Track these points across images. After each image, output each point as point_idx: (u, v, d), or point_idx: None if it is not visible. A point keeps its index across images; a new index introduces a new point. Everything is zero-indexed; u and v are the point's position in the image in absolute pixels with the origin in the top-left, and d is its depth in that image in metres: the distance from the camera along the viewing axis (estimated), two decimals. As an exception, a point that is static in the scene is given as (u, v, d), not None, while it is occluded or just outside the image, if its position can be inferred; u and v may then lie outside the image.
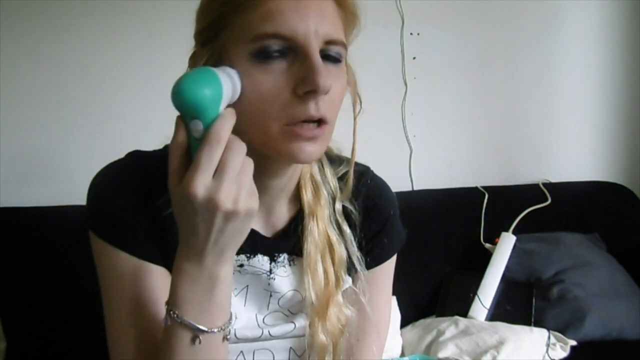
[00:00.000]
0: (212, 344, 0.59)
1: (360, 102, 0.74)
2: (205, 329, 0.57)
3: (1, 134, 1.57)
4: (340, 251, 0.75)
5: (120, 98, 1.64)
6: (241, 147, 0.54)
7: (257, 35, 0.60)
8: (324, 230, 0.74)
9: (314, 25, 0.61)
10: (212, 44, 0.65)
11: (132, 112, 1.64)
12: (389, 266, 0.82)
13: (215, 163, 0.52)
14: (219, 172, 0.53)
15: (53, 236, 1.42)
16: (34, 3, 1.56)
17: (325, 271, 0.73)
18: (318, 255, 0.73)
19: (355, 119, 0.73)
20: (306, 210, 0.74)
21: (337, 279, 0.74)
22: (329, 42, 0.62)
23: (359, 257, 0.77)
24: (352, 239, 0.77)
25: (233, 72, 0.60)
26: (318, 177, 0.76)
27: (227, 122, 0.54)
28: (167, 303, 0.59)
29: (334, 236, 0.75)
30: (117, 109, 1.64)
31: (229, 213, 0.53)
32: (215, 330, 0.58)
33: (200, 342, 0.57)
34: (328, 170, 0.78)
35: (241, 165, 0.54)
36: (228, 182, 0.53)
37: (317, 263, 0.72)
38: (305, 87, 0.59)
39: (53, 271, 1.40)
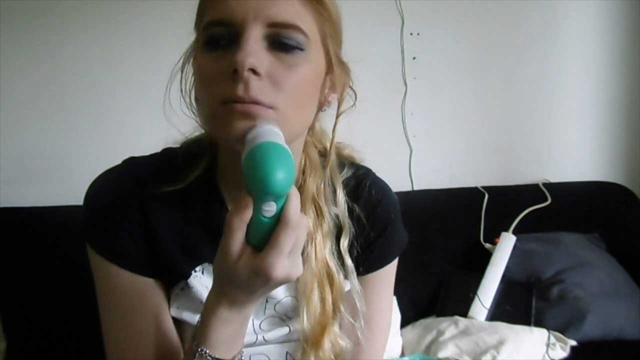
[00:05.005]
0: None
1: (355, 101, 0.72)
2: (230, 359, 0.61)
3: (1, 134, 1.57)
4: (340, 280, 0.73)
5: (120, 99, 1.64)
6: (307, 222, 0.56)
7: (205, 24, 0.61)
8: (323, 258, 0.72)
9: (254, 8, 0.58)
10: (197, 29, 0.66)
11: (132, 113, 1.64)
12: (390, 270, 0.82)
13: (292, 244, 0.54)
14: (292, 252, 0.55)
15: (53, 236, 1.42)
16: (34, 4, 1.56)
17: (322, 299, 0.72)
18: (315, 283, 0.71)
19: (336, 117, 0.71)
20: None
21: (335, 310, 0.73)
22: (274, 25, 0.59)
23: (359, 291, 0.75)
24: (355, 273, 0.75)
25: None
26: (323, 206, 0.73)
27: (298, 201, 0.55)
28: (197, 343, 0.60)
29: (334, 266, 0.73)
30: (116, 110, 1.65)
31: (294, 280, 0.57)
32: (237, 356, 0.62)
33: None
34: (341, 196, 0.75)
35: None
36: (298, 257, 0.56)
37: (312, 291, 0.71)
38: (230, 66, 0.58)
39: (53, 271, 1.40)
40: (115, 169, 0.71)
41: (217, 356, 0.59)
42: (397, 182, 1.87)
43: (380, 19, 1.80)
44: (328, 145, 0.75)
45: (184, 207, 0.70)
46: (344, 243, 0.74)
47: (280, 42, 0.60)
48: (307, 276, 0.70)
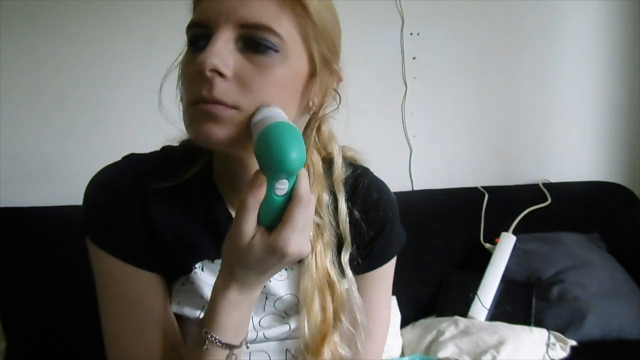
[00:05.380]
0: (240, 352, 0.63)
1: (339, 104, 0.71)
2: (238, 344, 0.62)
3: (1, 134, 1.57)
4: (341, 290, 0.73)
5: (120, 98, 1.64)
6: (315, 200, 0.58)
7: (187, 26, 0.63)
8: (324, 267, 0.72)
9: (227, 9, 0.59)
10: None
11: (132, 113, 1.64)
12: (389, 268, 0.82)
13: (304, 221, 0.56)
14: (304, 228, 0.56)
15: (53, 236, 1.42)
16: (34, 3, 1.56)
17: (323, 308, 0.72)
18: (315, 292, 0.71)
19: (315, 122, 0.71)
20: None
21: (336, 318, 0.73)
22: (246, 27, 0.59)
23: (360, 304, 0.75)
24: (355, 285, 0.75)
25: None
26: (325, 215, 0.73)
27: (307, 179, 0.57)
28: (206, 329, 0.60)
29: (335, 275, 0.73)
30: (116, 110, 1.65)
31: (303, 257, 0.59)
32: (244, 341, 0.63)
33: (235, 358, 0.61)
34: (343, 207, 0.75)
35: None
36: (308, 234, 0.57)
37: (313, 300, 0.71)
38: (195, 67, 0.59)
39: (53, 271, 1.40)
40: (115, 165, 0.71)
41: (226, 341, 0.60)
42: (397, 182, 1.87)
43: (380, 19, 1.80)
44: (333, 151, 0.76)
45: (183, 204, 0.70)
46: (345, 257, 0.74)
47: (252, 43, 0.60)
48: (307, 285, 0.71)
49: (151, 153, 0.74)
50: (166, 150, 0.75)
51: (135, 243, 0.67)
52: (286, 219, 0.55)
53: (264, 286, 0.72)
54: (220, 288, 0.60)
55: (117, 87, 1.64)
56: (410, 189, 1.90)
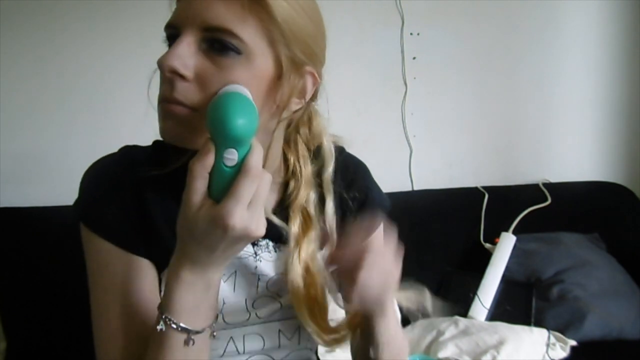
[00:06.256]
0: (202, 342, 0.61)
1: (304, 105, 0.70)
2: (199, 329, 0.60)
3: (1, 134, 1.57)
4: (326, 276, 0.74)
5: (120, 98, 1.64)
6: (269, 178, 0.56)
7: (164, 27, 0.64)
8: (308, 259, 0.73)
9: (193, 12, 0.60)
10: None
11: (132, 113, 1.63)
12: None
13: (252, 195, 0.54)
14: (253, 204, 0.54)
15: (53, 236, 1.42)
16: (34, 4, 1.56)
17: (310, 297, 0.73)
18: (301, 284, 0.72)
19: (277, 123, 0.69)
20: (291, 242, 0.73)
21: (323, 302, 0.75)
22: (208, 29, 0.60)
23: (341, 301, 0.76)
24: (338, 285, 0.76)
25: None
26: (312, 214, 0.74)
27: (261, 154, 0.56)
28: (161, 310, 0.59)
29: (318, 266, 0.74)
30: (116, 110, 1.65)
31: (254, 238, 0.56)
32: (207, 329, 0.61)
33: (193, 343, 0.59)
34: (330, 206, 0.76)
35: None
36: (259, 212, 0.55)
37: (299, 290, 0.72)
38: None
39: (53, 271, 1.40)
40: (111, 155, 0.73)
41: (182, 324, 0.58)
42: (397, 182, 1.87)
43: (380, 19, 1.81)
44: (323, 147, 0.76)
45: (175, 192, 0.71)
46: (326, 253, 0.75)
47: (213, 45, 0.61)
48: (294, 278, 0.71)
49: (146, 146, 0.76)
50: (159, 143, 0.76)
51: (128, 228, 0.68)
52: (231, 191, 0.54)
53: (255, 267, 0.74)
54: (173, 266, 0.59)
55: (117, 87, 1.64)
56: (410, 189, 1.90)
